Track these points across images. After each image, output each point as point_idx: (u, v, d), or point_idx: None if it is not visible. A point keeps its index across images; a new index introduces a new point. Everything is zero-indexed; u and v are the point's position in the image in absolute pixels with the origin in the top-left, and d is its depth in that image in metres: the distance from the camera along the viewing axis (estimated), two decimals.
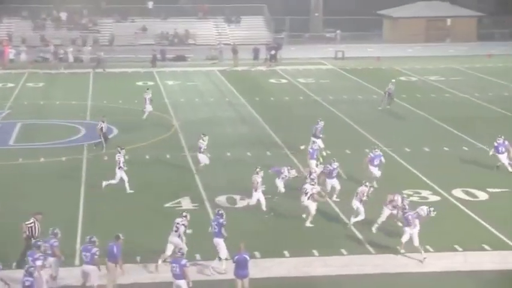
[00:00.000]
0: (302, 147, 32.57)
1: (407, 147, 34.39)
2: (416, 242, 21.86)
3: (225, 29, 75.68)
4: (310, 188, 25.14)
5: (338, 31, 77.73)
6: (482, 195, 28.05)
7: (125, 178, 28.22)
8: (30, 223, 21.32)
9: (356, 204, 24.49)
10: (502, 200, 27.35)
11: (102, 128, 34.09)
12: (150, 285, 20.44)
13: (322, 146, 32.55)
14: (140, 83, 52.87)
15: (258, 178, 25.91)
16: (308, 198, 24.92)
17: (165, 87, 51.18)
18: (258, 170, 26.17)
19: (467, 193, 27.86)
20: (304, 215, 25.14)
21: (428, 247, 22.59)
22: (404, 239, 22.12)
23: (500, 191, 28.51)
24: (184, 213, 21.95)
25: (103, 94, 48.29)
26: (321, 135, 33.08)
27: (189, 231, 21.72)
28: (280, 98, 47.74)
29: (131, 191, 28.07)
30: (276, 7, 76.12)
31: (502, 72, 57.23)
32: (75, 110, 43.56)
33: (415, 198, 27.11)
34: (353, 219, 24.55)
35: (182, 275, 18.64)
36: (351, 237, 24.00)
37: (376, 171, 28.57)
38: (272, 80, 54.99)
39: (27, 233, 21.19)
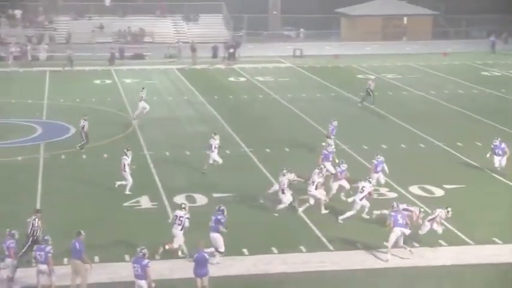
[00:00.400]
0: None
1: (365, 144, 34.66)
2: (401, 242, 22.12)
3: (184, 27, 75.45)
4: (317, 177, 25.66)
5: (302, 29, 78.08)
6: (439, 192, 28.39)
7: (130, 180, 27.92)
8: (32, 221, 21.45)
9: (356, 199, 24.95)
10: (458, 196, 27.72)
11: (84, 126, 33.78)
12: (109, 285, 20.31)
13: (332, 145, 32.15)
14: (98, 82, 52.52)
15: (284, 179, 25.87)
16: (316, 188, 25.47)
17: (123, 86, 50.86)
18: (284, 171, 26.11)
19: (423, 189, 28.17)
20: (298, 207, 25.49)
21: (386, 243, 22.83)
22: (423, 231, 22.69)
23: (456, 187, 28.91)
24: (183, 205, 22.37)
25: (60, 93, 47.80)
26: (333, 135, 32.92)
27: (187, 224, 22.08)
28: (239, 96, 47.76)
29: (129, 193, 27.76)
30: (234, 5, 76.07)
31: (458, 70, 58.02)
32: (31, 108, 43.07)
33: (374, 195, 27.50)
34: (348, 214, 24.89)
35: (144, 275, 18.58)
36: (310, 234, 24.14)
37: (381, 178, 27.99)
38: (231, 78, 54.96)
39: (29, 230, 21.30)
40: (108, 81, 52.40)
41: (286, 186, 25.75)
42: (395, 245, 22.03)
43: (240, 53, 63.70)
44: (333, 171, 27.86)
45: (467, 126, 39.30)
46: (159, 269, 20.78)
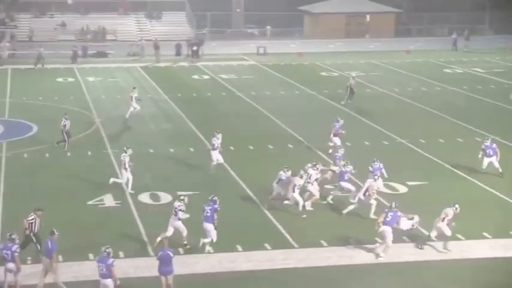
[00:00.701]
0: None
1: (329, 141, 34.77)
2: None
3: (147, 25, 75.11)
4: (314, 173, 25.80)
5: (268, 27, 78.20)
6: (402, 189, 28.63)
7: (130, 178, 27.69)
8: (31, 219, 21.39)
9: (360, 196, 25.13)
10: (421, 193, 27.98)
11: (65, 125, 33.44)
12: (74, 285, 20.13)
13: (338, 143, 32.19)
14: (60, 80, 52.07)
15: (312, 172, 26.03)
16: (312, 184, 25.62)
17: (86, 84, 50.47)
18: (313, 165, 26.35)
19: (387, 186, 28.34)
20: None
21: (350, 241, 23.00)
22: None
23: (419, 184, 29.17)
24: (181, 197, 22.58)
25: (22, 91, 47.32)
26: (339, 133, 32.86)
27: (186, 215, 22.40)
28: (202, 94, 47.67)
29: (132, 191, 27.54)
30: (197, 3, 75.92)
31: (421, 67, 58.54)
32: None
33: (337, 193, 27.60)
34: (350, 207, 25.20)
35: (109, 274, 18.48)
36: (274, 231, 24.18)
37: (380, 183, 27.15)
38: (195, 76, 54.82)
39: (28, 228, 21.30)
40: (70, 80, 51.96)
41: (314, 180, 25.90)
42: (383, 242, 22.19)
43: (204, 50, 63.61)
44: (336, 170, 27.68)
45: (430, 124, 39.63)
46: (124, 267, 20.68)
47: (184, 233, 22.28)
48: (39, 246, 21.13)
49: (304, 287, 20.63)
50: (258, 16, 78.66)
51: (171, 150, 33.92)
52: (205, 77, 54.72)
